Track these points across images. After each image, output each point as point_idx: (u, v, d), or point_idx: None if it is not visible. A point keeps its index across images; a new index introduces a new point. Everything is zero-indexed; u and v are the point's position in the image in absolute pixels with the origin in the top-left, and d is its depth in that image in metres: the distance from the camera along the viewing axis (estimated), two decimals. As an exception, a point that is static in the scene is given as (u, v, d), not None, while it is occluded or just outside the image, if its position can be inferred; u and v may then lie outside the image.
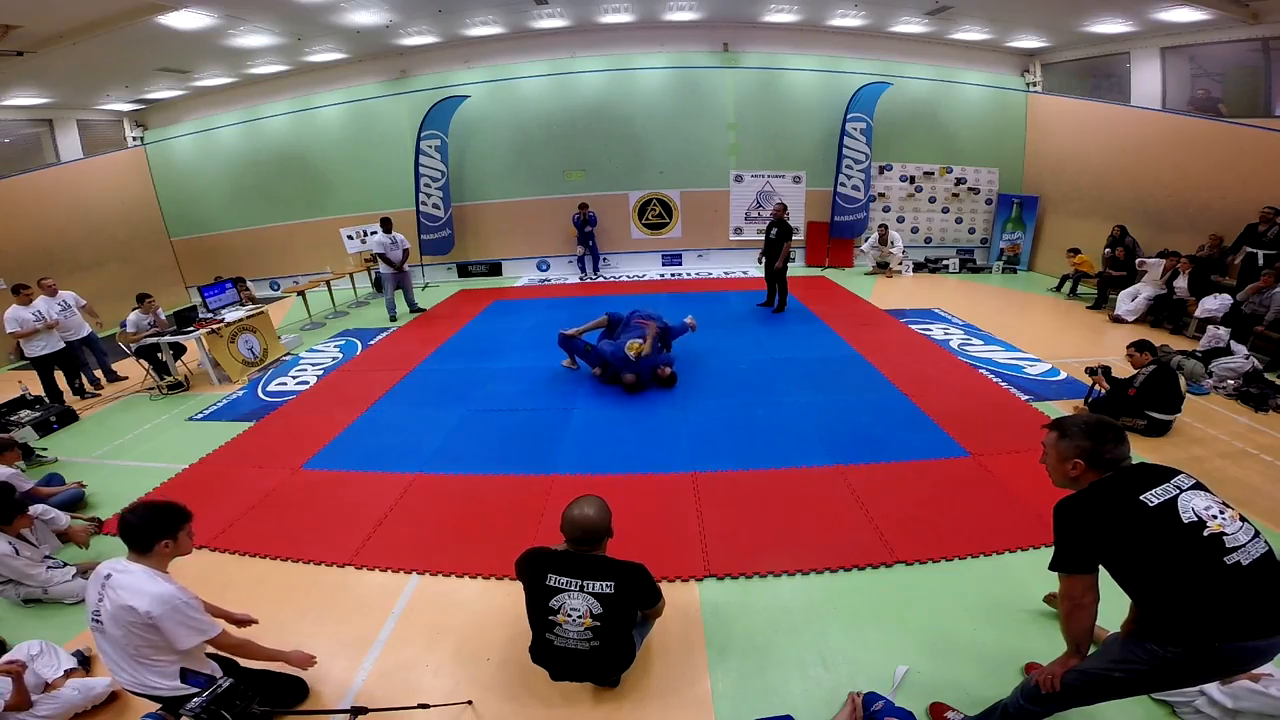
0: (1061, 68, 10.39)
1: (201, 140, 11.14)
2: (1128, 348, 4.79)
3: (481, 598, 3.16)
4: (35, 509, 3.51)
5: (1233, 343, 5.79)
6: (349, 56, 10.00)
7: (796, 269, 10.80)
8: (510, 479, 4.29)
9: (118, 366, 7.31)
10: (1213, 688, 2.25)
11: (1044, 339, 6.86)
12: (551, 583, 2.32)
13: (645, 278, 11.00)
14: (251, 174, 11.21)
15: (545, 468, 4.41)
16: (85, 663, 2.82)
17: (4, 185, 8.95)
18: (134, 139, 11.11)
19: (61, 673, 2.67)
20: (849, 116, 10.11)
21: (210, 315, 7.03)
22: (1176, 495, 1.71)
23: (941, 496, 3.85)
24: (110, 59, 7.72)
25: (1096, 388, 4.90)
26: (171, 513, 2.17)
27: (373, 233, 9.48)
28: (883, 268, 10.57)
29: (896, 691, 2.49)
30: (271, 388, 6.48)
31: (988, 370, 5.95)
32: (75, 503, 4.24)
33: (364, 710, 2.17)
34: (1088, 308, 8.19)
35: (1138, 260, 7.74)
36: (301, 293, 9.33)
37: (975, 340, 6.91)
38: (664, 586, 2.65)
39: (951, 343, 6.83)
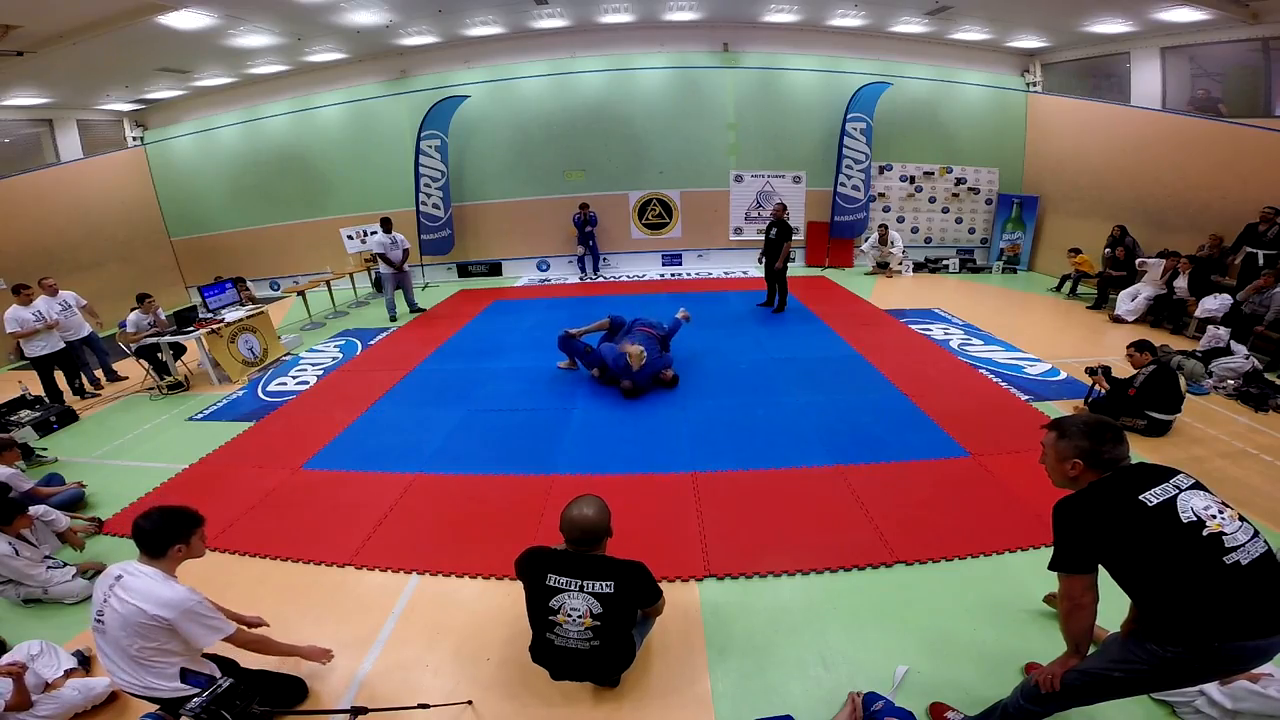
0: (1061, 68, 10.39)
1: (201, 140, 11.14)
2: (1128, 348, 4.79)
3: (481, 598, 3.16)
4: (35, 510, 3.51)
5: (1233, 343, 5.79)
6: (349, 56, 10.00)
7: (796, 269, 10.80)
8: (510, 479, 4.29)
9: (118, 366, 7.32)
10: (1212, 688, 2.25)
11: (1044, 339, 6.86)
12: (551, 582, 2.32)
13: (645, 278, 11.00)
14: (251, 174, 11.21)
15: (545, 468, 4.41)
16: (85, 663, 2.82)
17: (4, 185, 8.96)
18: (134, 139, 11.12)
19: (61, 673, 2.67)
20: (849, 116, 10.11)
21: (210, 315, 7.03)
22: (1175, 495, 1.71)
23: (941, 496, 3.85)
24: (110, 59, 7.72)
25: (1096, 388, 4.90)
26: (185, 517, 2.22)
27: (373, 233, 9.48)
28: (883, 268, 10.57)
29: (896, 691, 2.49)
30: (271, 388, 6.48)
31: (988, 370, 5.95)
32: (75, 503, 4.24)
33: (364, 710, 2.17)
34: (1088, 308, 8.19)
35: (1138, 261, 7.74)
36: (301, 293, 9.33)
37: (975, 340, 6.91)
38: (664, 586, 2.65)
39: (951, 343, 6.83)
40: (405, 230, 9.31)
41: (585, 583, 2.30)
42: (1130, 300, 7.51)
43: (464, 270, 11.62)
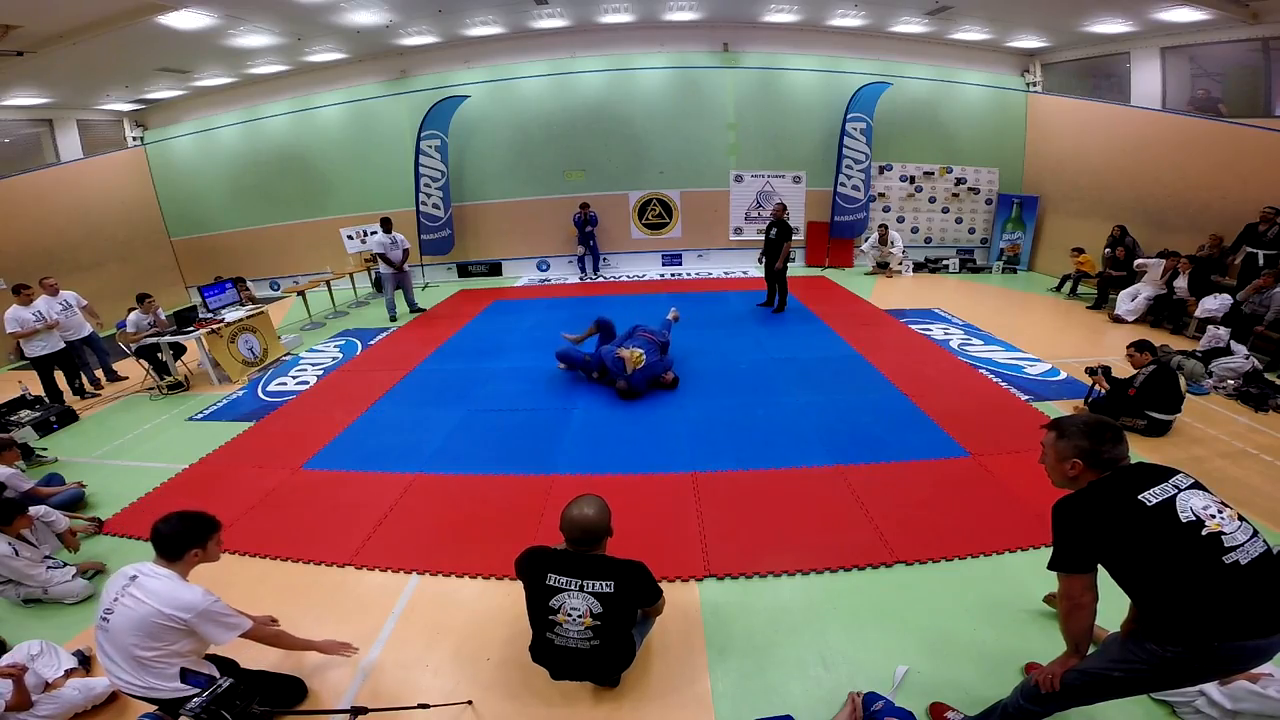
0: (1061, 68, 10.39)
1: (201, 140, 11.14)
2: (1128, 348, 4.79)
3: (481, 598, 3.16)
4: (35, 510, 3.51)
5: (1233, 343, 5.79)
6: (349, 56, 10.00)
7: (796, 269, 10.80)
8: (510, 479, 4.29)
9: (118, 366, 7.32)
10: (1212, 688, 2.25)
11: (1044, 339, 6.86)
12: (551, 582, 2.32)
13: (645, 278, 11.00)
14: (251, 174, 11.21)
15: (545, 468, 4.41)
16: (85, 662, 2.82)
17: (4, 185, 8.96)
18: (134, 139, 11.12)
19: (62, 673, 2.67)
20: (849, 116, 10.11)
21: (210, 315, 7.03)
22: (1175, 495, 1.71)
23: (941, 496, 3.85)
24: (110, 59, 7.72)
25: (1096, 388, 4.90)
26: (203, 522, 2.28)
27: (373, 233, 9.48)
28: (883, 268, 10.57)
29: (896, 691, 2.49)
30: (271, 388, 6.48)
31: (988, 370, 5.95)
32: (75, 503, 4.24)
33: (364, 710, 2.17)
34: (1088, 308, 8.19)
35: (1136, 263, 7.73)
36: (301, 293, 9.33)
37: (975, 340, 6.91)
38: (664, 586, 2.65)
39: (951, 343, 6.83)
40: (405, 230, 9.31)
41: (585, 582, 2.30)
42: (1130, 300, 7.51)
43: (464, 270, 11.62)
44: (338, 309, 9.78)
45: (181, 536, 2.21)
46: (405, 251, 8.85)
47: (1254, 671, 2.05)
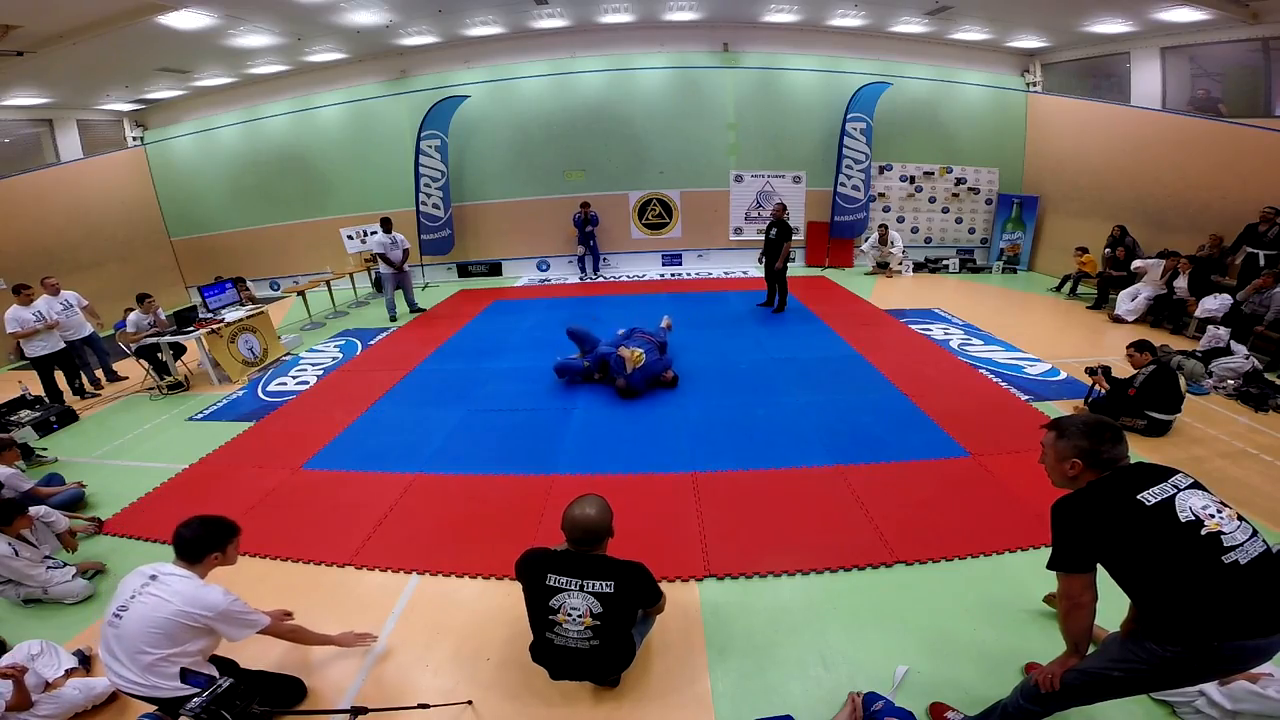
0: (1061, 68, 10.39)
1: (201, 140, 11.14)
2: (1128, 348, 4.79)
3: (481, 598, 3.16)
4: (35, 510, 3.51)
5: (1233, 343, 5.79)
6: (349, 56, 10.00)
7: (796, 269, 10.80)
8: (510, 479, 4.29)
9: (118, 366, 7.32)
10: (1212, 688, 2.25)
11: (1044, 339, 6.86)
12: (551, 582, 2.32)
13: (645, 278, 11.00)
14: (251, 174, 11.21)
15: (545, 468, 4.41)
16: (86, 662, 2.82)
17: (4, 185, 8.96)
18: (134, 139, 11.12)
19: (62, 672, 2.67)
20: (849, 116, 10.11)
21: (210, 315, 7.03)
22: (1174, 494, 1.71)
23: (941, 496, 3.85)
24: (110, 59, 7.72)
25: (1096, 388, 4.90)
26: (223, 527, 2.38)
27: (373, 233, 9.48)
28: (883, 268, 10.57)
29: (896, 691, 2.49)
30: (271, 388, 6.48)
31: (988, 370, 5.95)
32: (75, 503, 4.24)
33: (364, 710, 2.17)
34: (1088, 308, 8.19)
35: (1133, 265, 7.73)
36: (301, 293, 9.33)
37: (975, 340, 6.91)
38: (664, 586, 2.65)
39: (951, 343, 6.83)
40: (405, 230, 9.31)
41: (585, 582, 2.30)
42: (1130, 300, 7.51)
43: (464, 270, 11.62)
44: (338, 309, 9.78)
45: (203, 540, 2.29)
46: (405, 251, 8.86)
47: (1254, 671, 2.05)
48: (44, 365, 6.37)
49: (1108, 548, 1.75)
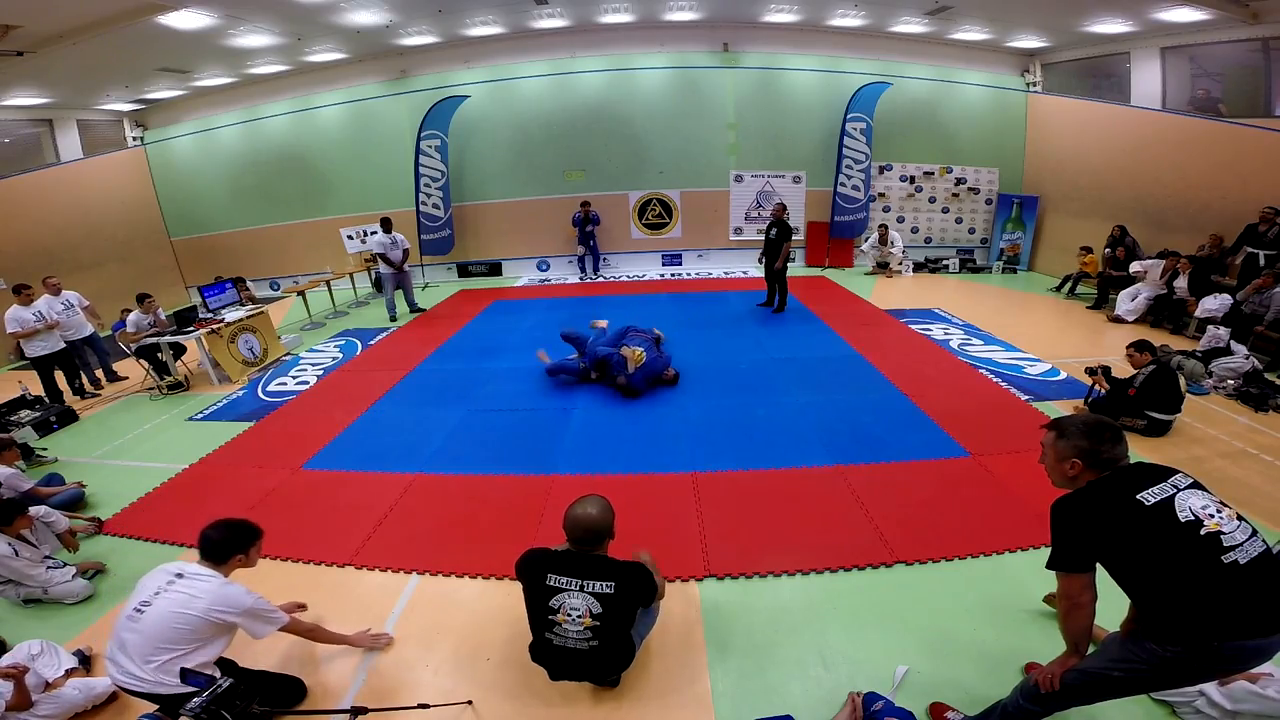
0: (1061, 68, 10.39)
1: (201, 140, 11.14)
2: (1128, 348, 4.79)
3: (481, 598, 3.16)
4: (35, 510, 3.51)
5: (1233, 343, 5.79)
6: (349, 56, 10.00)
7: (796, 269, 10.80)
8: (510, 479, 4.29)
9: (118, 366, 7.32)
10: (1212, 688, 2.25)
11: (1044, 339, 6.86)
12: (551, 582, 2.33)
13: (645, 278, 11.00)
14: (251, 174, 11.21)
15: (545, 468, 4.41)
16: (86, 662, 2.82)
17: (4, 185, 8.95)
18: (134, 139, 11.12)
19: (62, 672, 2.67)
20: (849, 116, 10.10)
21: (210, 315, 7.03)
22: (1173, 494, 1.71)
23: (941, 496, 3.85)
24: (110, 59, 7.72)
25: (1096, 388, 4.90)
26: (247, 531, 2.44)
27: (373, 233, 9.48)
28: (883, 268, 10.57)
29: (896, 691, 2.49)
30: (271, 388, 6.48)
31: (988, 370, 5.95)
32: (75, 503, 4.24)
33: (364, 710, 2.17)
34: (1088, 308, 8.19)
35: (1132, 266, 7.72)
36: (301, 293, 9.33)
37: (975, 340, 6.91)
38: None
39: (951, 343, 6.83)
40: (405, 230, 9.31)
41: (585, 582, 2.30)
42: (1130, 300, 7.51)
43: (464, 270, 11.62)
44: (338, 309, 9.78)
45: (228, 543, 2.35)
46: (405, 251, 8.86)
47: (1254, 671, 2.04)
48: (44, 365, 6.37)
49: (1107, 547, 1.75)
